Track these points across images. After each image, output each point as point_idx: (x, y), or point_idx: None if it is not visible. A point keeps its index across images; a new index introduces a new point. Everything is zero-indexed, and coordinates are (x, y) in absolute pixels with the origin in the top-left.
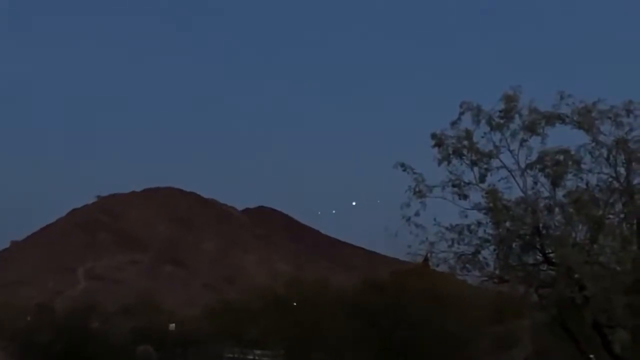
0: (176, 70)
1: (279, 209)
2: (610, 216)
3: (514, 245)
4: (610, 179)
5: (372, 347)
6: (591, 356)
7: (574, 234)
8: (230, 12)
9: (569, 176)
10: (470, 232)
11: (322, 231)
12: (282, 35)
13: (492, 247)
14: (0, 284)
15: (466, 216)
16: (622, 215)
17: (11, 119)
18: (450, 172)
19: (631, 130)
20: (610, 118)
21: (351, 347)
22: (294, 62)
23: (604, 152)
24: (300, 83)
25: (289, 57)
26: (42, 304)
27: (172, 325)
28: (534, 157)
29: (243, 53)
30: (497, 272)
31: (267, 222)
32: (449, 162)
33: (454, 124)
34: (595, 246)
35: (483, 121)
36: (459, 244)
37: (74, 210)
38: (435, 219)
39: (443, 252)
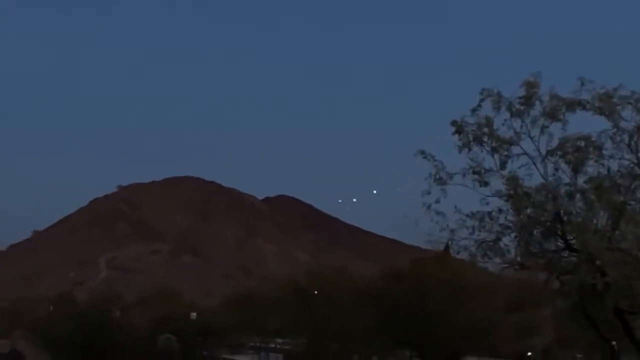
0: (189, 66)
1: (299, 197)
2: (632, 202)
3: (535, 232)
4: (631, 165)
5: (391, 336)
6: (613, 343)
7: (595, 221)
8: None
9: (590, 162)
10: (491, 219)
11: (343, 219)
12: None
13: (513, 234)
14: (22, 274)
15: (487, 203)
16: None
17: (30, 113)
18: (471, 159)
19: None
20: (631, 104)
21: (369, 336)
22: (307, 55)
23: (625, 137)
24: (316, 75)
25: (301, 50)
26: (63, 294)
27: (194, 314)
28: (554, 143)
29: (263, 49)
30: (518, 259)
31: (287, 210)
32: (470, 149)
33: (474, 110)
34: (616, 232)
35: (503, 108)
36: (479, 231)
37: (95, 200)
38: (455, 206)
39: (464, 239)
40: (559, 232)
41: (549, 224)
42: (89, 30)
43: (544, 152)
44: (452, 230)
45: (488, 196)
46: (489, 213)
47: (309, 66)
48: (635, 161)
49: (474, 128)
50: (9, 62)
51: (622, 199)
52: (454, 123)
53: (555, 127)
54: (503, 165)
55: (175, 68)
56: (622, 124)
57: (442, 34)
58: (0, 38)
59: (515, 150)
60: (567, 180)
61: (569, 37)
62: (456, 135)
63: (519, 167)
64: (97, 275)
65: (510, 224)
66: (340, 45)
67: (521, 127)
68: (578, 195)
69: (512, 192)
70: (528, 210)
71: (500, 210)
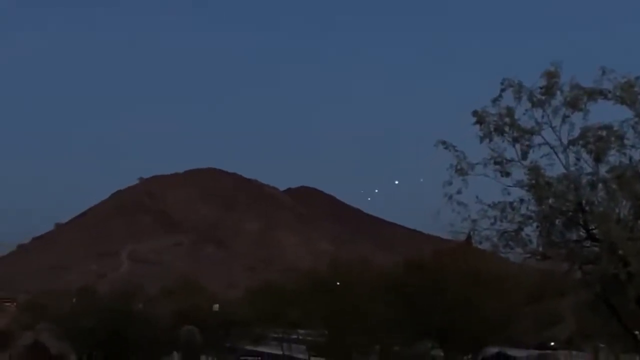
0: (205, 62)
1: (320, 188)
2: None
3: (556, 222)
4: None
5: (412, 327)
6: (636, 332)
7: (617, 210)
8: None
9: (612, 152)
10: (513, 209)
11: (364, 210)
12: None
13: (534, 224)
14: (44, 267)
15: (508, 193)
16: None
17: (51, 109)
18: (492, 150)
19: None
20: None
21: (391, 327)
22: (326, 45)
23: None
24: (338, 68)
25: (314, 40)
26: (86, 286)
27: (216, 306)
28: (576, 133)
29: (272, 42)
30: (540, 249)
31: (309, 201)
32: (491, 140)
33: (495, 101)
34: (639, 222)
35: (524, 98)
36: (501, 221)
37: (117, 192)
38: (477, 197)
39: (486, 229)
40: (581, 222)
41: (570, 213)
42: (109, 30)
43: (565, 141)
44: (474, 221)
45: (509, 186)
46: (511, 203)
47: (329, 61)
48: None
49: (495, 118)
50: (24, 56)
51: None
52: (475, 113)
53: (576, 117)
54: (524, 155)
55: (191, 63)
56: None
57: (465, 24)
58: (26, 28)
59: (537, 140)
60: (588, 169)
61: (587, 27)
62: (477, 126)
63: (541, 157)
64: (119, 268)
65: (532, 214)
66: (352, 37)
67: (542, 117)
68: (600, 185)
69: (533, 182)
70: (550, 200)
71: (521, 201)
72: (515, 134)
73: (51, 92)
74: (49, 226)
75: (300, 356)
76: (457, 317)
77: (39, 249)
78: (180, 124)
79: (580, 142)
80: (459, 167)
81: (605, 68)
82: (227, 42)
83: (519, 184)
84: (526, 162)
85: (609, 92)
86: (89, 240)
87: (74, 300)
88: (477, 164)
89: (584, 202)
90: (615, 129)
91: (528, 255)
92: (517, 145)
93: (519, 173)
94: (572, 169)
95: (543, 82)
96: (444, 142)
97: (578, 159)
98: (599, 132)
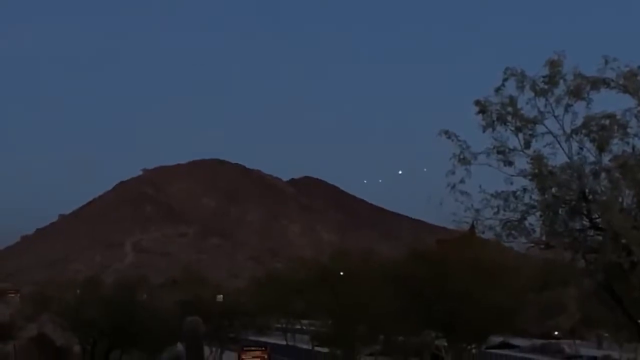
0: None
1: (324, 179)
2: None
3: (560, 211)
4: None
5: (416, 317)
6: (639, 321)
7: (620, 199)
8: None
9: (615, 141)
10: (516, 199)
11: (368, 200)
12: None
13: (538, 214)
14: (49, 258)
15: (511, 183)
16: None
17: (53, 98)
18: (495, 139)
19: None
20: None
21: (395, 318)
22: (329, 37)
23: None
24: (340, 58)
25: (321, 33)
26: (90, 277)
27: (220, 297)
28: (579, 122)
29: (279, 33)
30: (543, 238)
31: (312, 192)
32: (494, 129)
33: (497, 90)
34: None
35: (527, 87)
36: (504, 210)
37: (121, 183)
38: (480, 186)
39: (489, 219)
40: (584, 211)
41: (574, 202)
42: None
43: (568, 130)
44: (477, 210)
45: (512, 175)
46: (514, 192)
47: (332, 50)
48: None
49: (497, 107)
50: (22, 54)
51: None
52: (477, 103)
53: (579, 106)
54: (527, 145)
55: (191, 56)
56: None
57: (470, 14)
58: (30, 23)
59: (540, 129)
60: (592, 158)
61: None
62: (480, 115)
63: (544, 146)
64: (123, 259)
65: (535, 203)
66: (362, 28)
67: (545, 106)
68: (603, 174)
69: (536, 171)
70: (553, 189)
71: (525, 190)
72: (518, 123)
73: (50, 86)
74: (53, 217)
75: (304, 346)
76: (461, 307)
77: (42, 240)
78: (181, 116)
79: (584, 131)
80: (461, 156)
81: (608, 57)
82: (227, 37)
83: (522, 173)
84: (529, 152)
85: (612, 81)
86: (92, 232)
87: (79, 291)
88: (480, 153)
89: (587, 191)
90: (618, 117)
91: (531, 244)
92: (520, 135)
93: (522, 162)
94: (575, 158)
95: (546, 71)
96: (446, 132)
97: (581, 148)
98: (602, 121)
